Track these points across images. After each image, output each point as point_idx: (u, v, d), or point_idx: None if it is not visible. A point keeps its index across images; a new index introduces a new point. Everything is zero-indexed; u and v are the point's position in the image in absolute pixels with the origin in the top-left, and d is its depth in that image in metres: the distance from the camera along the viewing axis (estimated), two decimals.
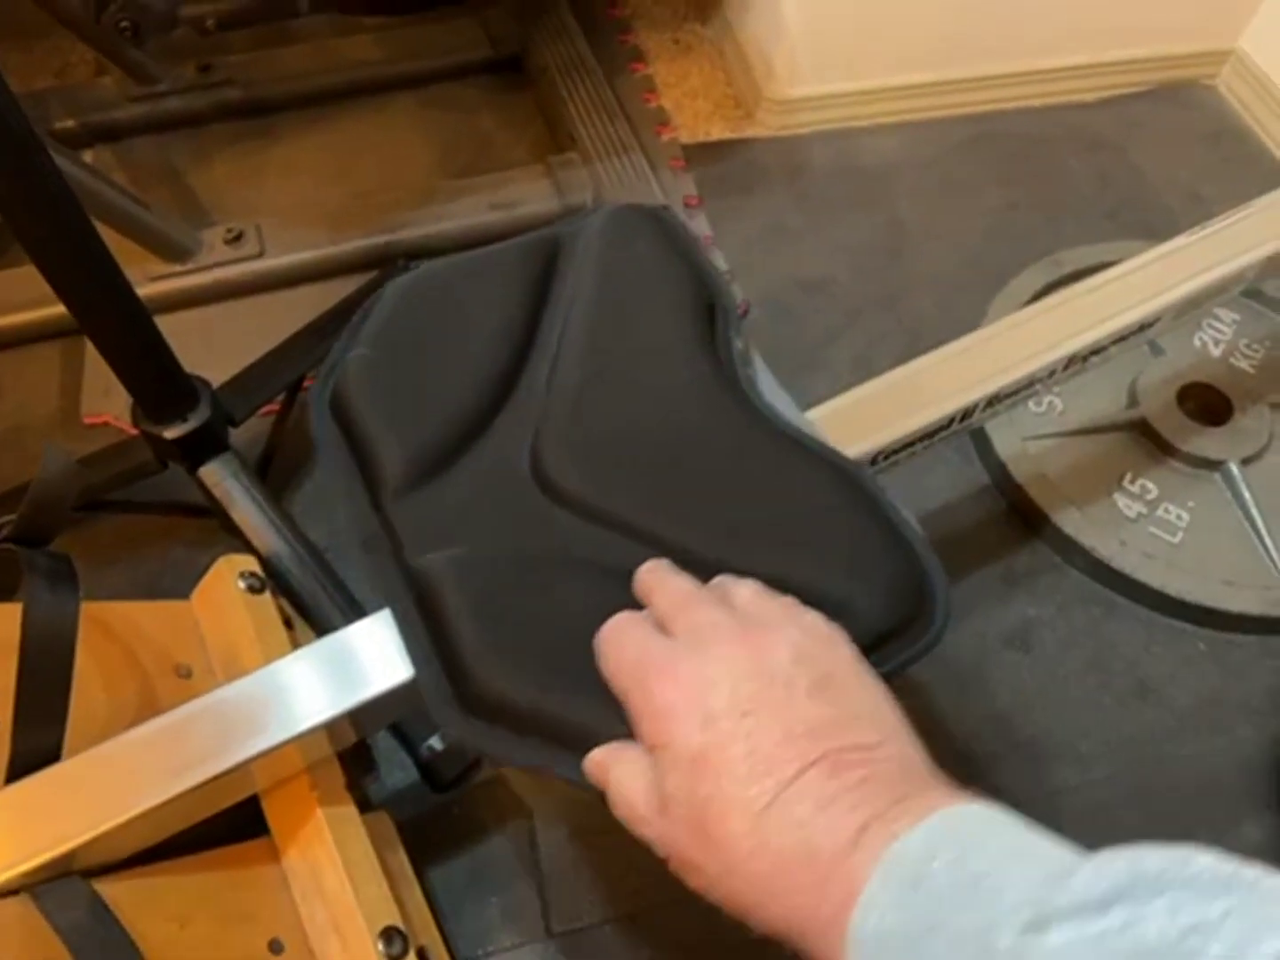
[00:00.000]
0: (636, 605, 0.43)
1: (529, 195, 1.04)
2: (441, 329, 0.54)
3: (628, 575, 0.44)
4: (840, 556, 0.45)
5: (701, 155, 1.14)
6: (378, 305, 0.55)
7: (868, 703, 0.36)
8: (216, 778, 0.52)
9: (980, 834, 0.30)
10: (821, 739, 0.34)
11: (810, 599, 0.42)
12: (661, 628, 0.40)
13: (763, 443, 0.50)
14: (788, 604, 0.40)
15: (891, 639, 0.44)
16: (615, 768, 0.38)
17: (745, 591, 0.41)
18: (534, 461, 0.50)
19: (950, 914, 0.27)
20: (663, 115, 1.19)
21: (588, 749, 0.40)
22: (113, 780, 0.51)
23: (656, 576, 0.43)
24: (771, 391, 0.54)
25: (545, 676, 0.42)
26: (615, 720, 0.39)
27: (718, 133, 1.19)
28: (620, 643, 0.40)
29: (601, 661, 0.40)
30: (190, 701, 0.54)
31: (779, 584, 0.43)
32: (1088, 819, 0.73)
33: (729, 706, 0.35)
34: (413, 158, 1.12)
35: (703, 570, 0.44)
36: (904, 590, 0.45)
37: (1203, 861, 0.26)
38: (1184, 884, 0.25)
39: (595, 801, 0.67)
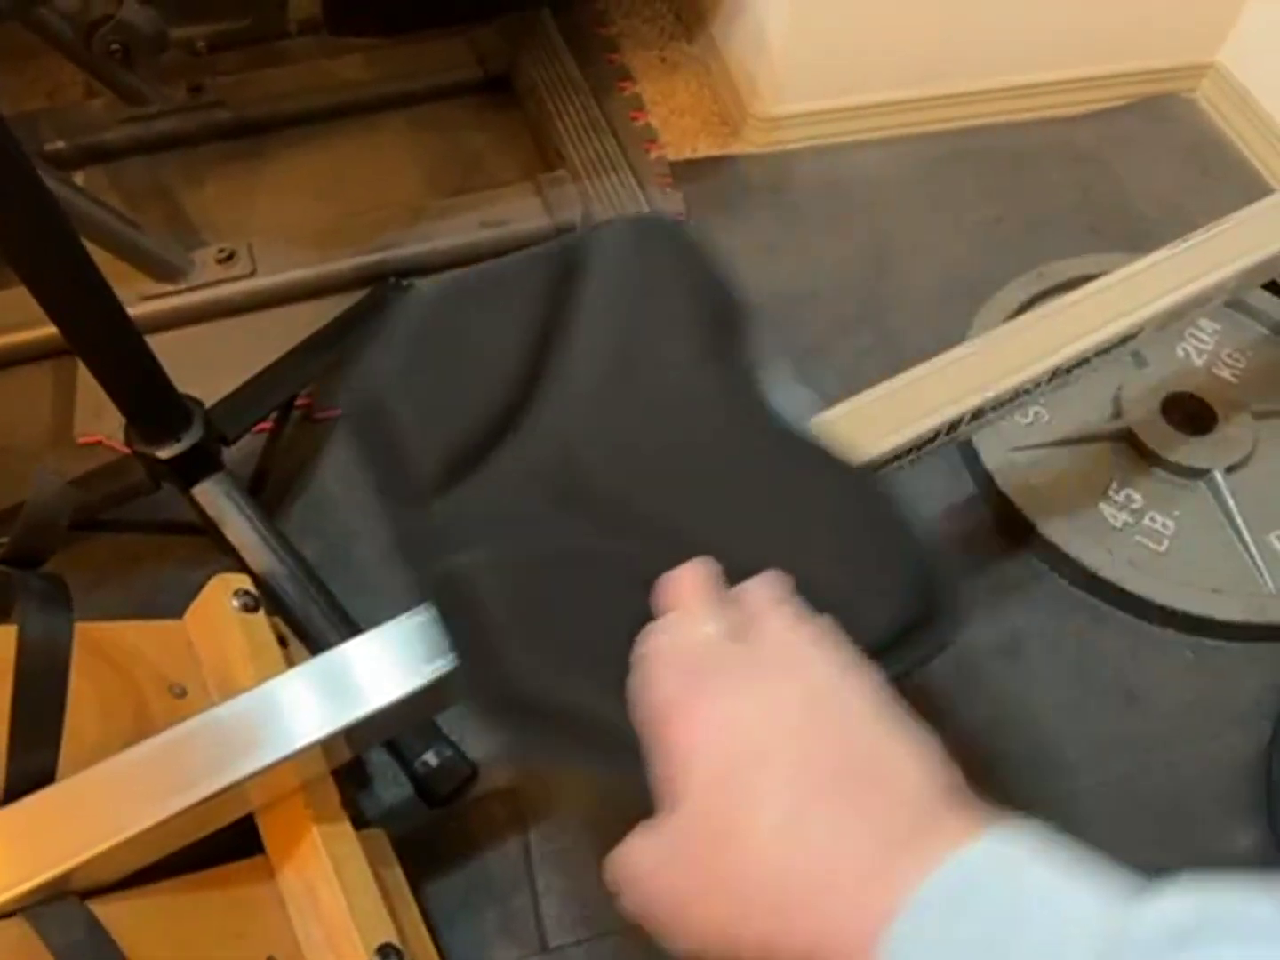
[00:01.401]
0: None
1: (519, 213, 1.05)
2: (466, 337, 0.55)
3: (651, 577, 0.45)
4: (855, 557, 0.47)
5: (689, 172, 1.15)
6: (404, 313, 0.57)
7: (888, 740, 0.36)
8: (211, 797, 0.52)
9: (1026, 861, 0.30)
10: (840, 777, 0.33)
11: (826, 599, 0.43)
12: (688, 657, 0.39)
13: (778, 450, 0.51)
14: (817, 638, 0.39)
15: (906, 638, 0.45)
16: (619, 852, 0.37)
17: (776, 623, 0.40)
18: (558, 466, 0.51)
19: (1009, 936, 0.27)
20: (650, 133, 1.20)
21: (622, 746, 0.40)
22: (108, 801, 0.52)
23: (687, 597, 0.42)
24: (790, 396, 0.55)
25: (580, 676, 0.43)
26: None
27: (705, 150, 1.20)
28: (649, 680, 0.39)
29: (637, 696, 0.40)
30: (184, 721, 0.54)
31: (797, 586, 0.44)
32: (1077, 828, 0.74)
33: (745, 750, 0.34)
34: (403, 177, 1.13)
35: (727, 566, 0.44)
36: (917, 590, 0.46)
37: (1266, 908, 0.26)
38: (1252, 930, 0.25)
39: (591, 815, 0.68)
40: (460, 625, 0.47)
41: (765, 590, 0.42)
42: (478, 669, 0.46)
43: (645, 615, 0.43)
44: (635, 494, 0.49)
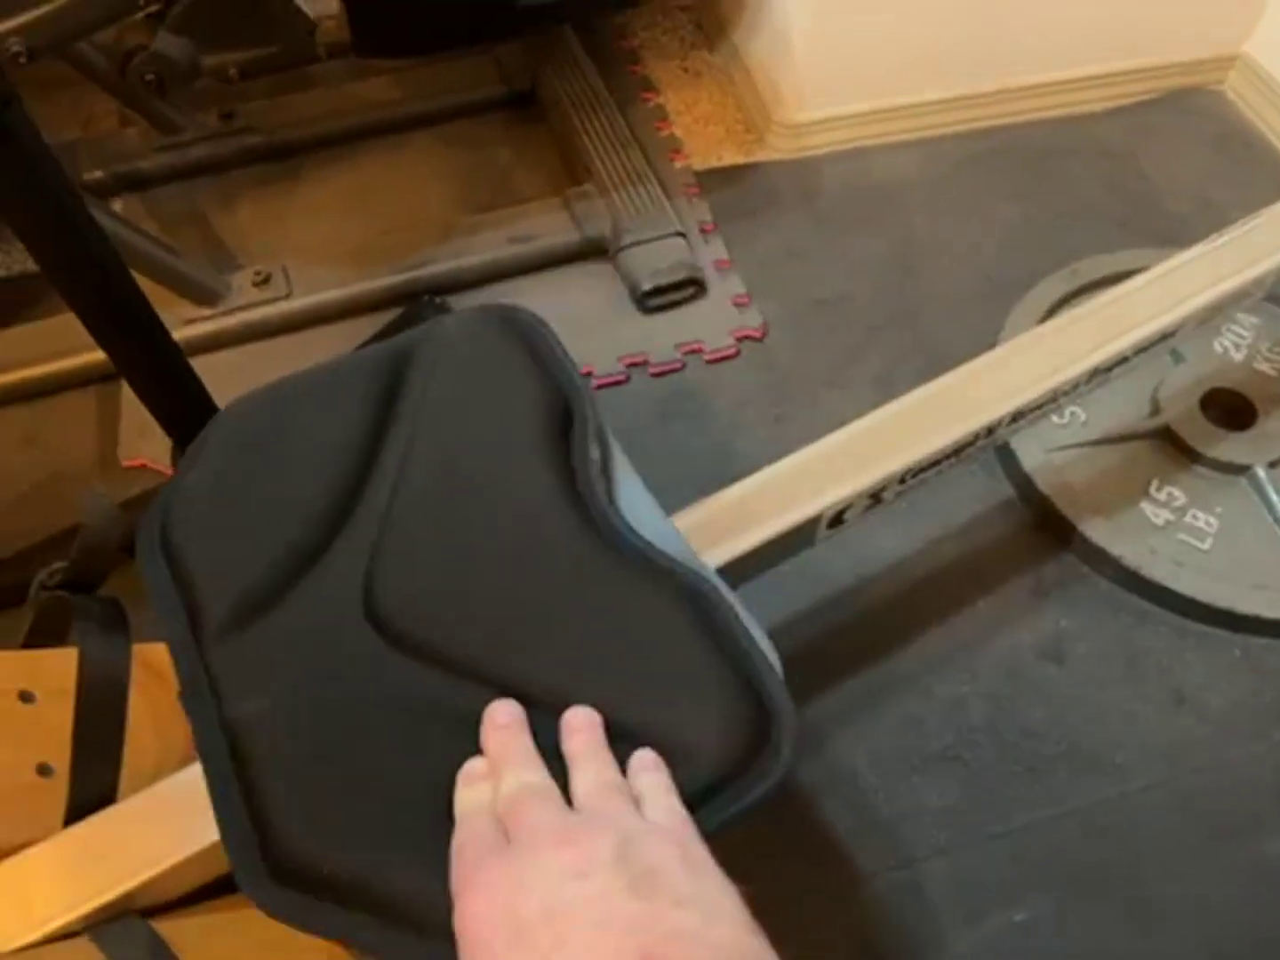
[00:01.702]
0: (468, 753, 0.41)
1: (548, 228, 1.06)
2: (277, 455, 0.52)
3: (462, 721, 0.42)
4: (677, 692, 0.43)
5: (715, 181, 1.16)
6: (211, 433, 0.53)
7: (697, 891, 0.34)
8: None
9: None
10: (638, 932, 0.32)
11: (647, 737, 0.41)
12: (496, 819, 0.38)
13: (608, 566, 0.47)
14: (624, 796, 0.38)
15: (729, 782, 0.41)
16: None
17: (589, 779, 0.39)
18: (366, 597, 0.47)
19: None
20: (675, 143, 1.20)
21: (414, 919, 0.38)
22: (167, 820, 0.52)
23: (502, 753, 0.41)
24: (635, 500, 0.51)
25: (361, 842, 0.40)
26: (439, 886, 0.37)
27: (730, 158, 1.21)
28: (461, 848, 0.38)
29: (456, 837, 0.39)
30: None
31: (616, 724, 0.42)
32: (1128, 831, 0.73)
33: (540, 912, 0.33)
34: (432, 194, 1.14)
35: (543, 709, 0.42)
36: (742, 727, 0.42)
37: None
38: None
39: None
40: (239, 778, 0.44)
41: (587, 752, 0.41)
42: (255, 829, 0.42)
43: (437, 759, 0.41)
44: (432, 633, 0.46)
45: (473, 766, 0.41)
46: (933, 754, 0.76)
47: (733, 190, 1.16)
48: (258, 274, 1.00)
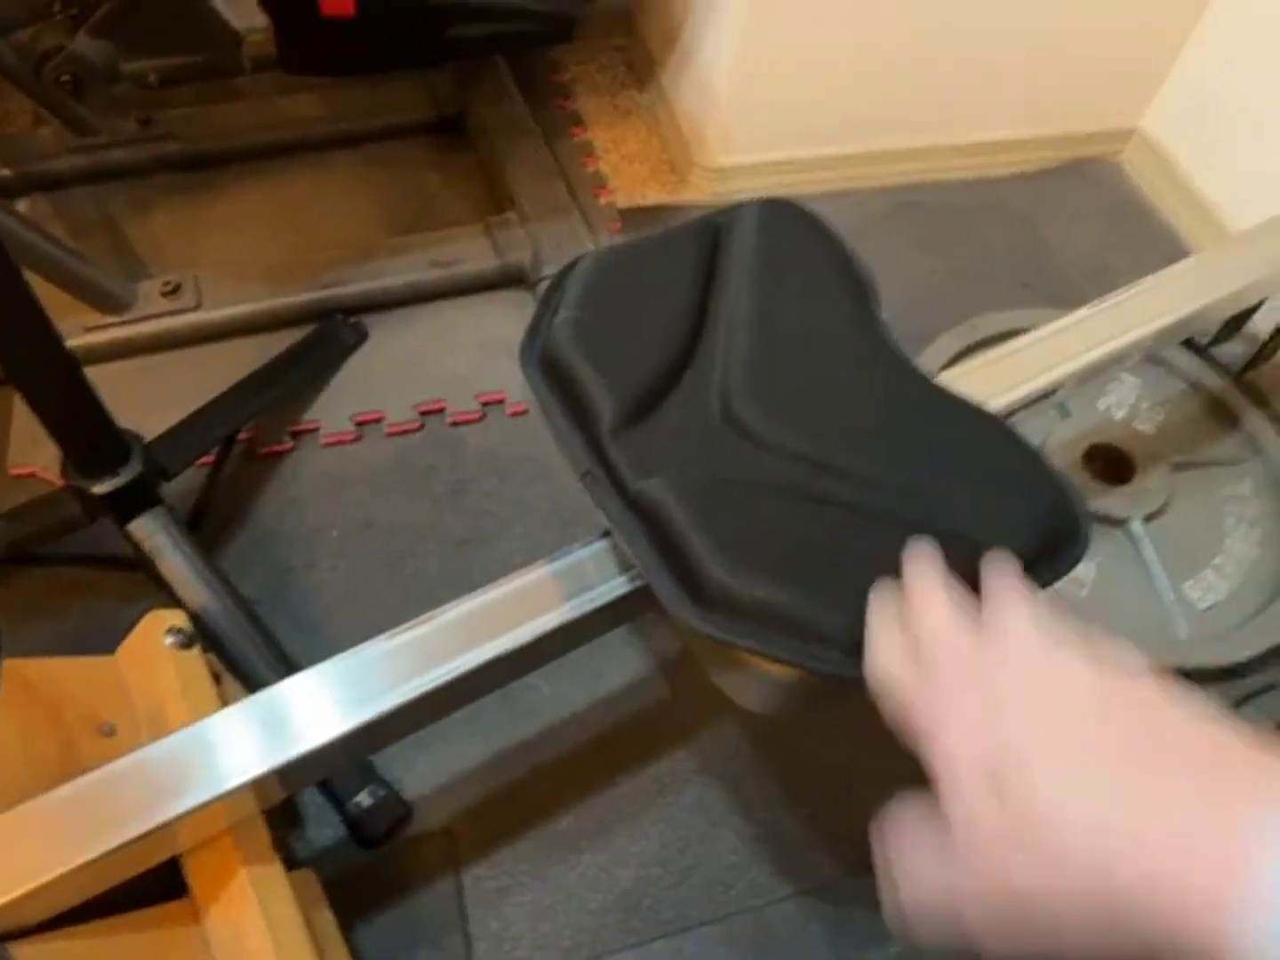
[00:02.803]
0: (831, 519, 0.52)
1: (468, 253, 1.06)
2: (631, 297, 0.61)
3: (818, 499, 0.53)
4: (1002, 483, 0.54)
5: (637, 218, 1.18)
6: (572, 276, 0.63)
7: (1180, 713, 0.33)
8: (138, 839, 0.52)
9: None
10: (1142, 744, 0.32)
11: (973, 520, 0.52)
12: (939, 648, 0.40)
13: (921, 394, 0.59)
14: (1062, 633, 0.39)
15: (1047, 555, 0.52)
16: (894, 860, 0.37)
17: (1021, 619, 0.39)
18: (724, 408, 0.57)
19: None
20: (601, 179, 1.22)
21: (816, 638, 0.48)
22: (32, 842, 0.51)
23: (924, 597, 0.43)
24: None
25: (769, 571, 0.49)
26: (837, 616, 0.47)
27: (654, 197, 1.23)
28: (893, 668, 0.41)
29: (869, 666, 0.43)
30: (112, 761, 0.54)
31: (952, 508, 0.52)
32: None
33: (1013, 704, 0.34)
34: (354, 214, 1.14)
35: (883, 494, 0.53)
36: (1055, 516, 0.53)
37: None
38: None
39: (526, 854, 0.67)
40: (651, 538, 0.53)
41: (1002, 580, 0.43)
42: (674, 574, 0.51)
43: (815, 523, 0.52)
44: (789, 434, 0.56)
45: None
46: None
47: (654, 228, 1.17)
48: (167, 284, 0.98)
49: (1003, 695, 0.36)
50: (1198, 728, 0.32)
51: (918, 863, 0.36)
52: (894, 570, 0.51)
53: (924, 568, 0.45)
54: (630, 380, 0.58)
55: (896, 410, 0.58)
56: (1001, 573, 0.44)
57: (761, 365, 0.59)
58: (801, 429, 0.56)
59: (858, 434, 0.56)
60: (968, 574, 0.52)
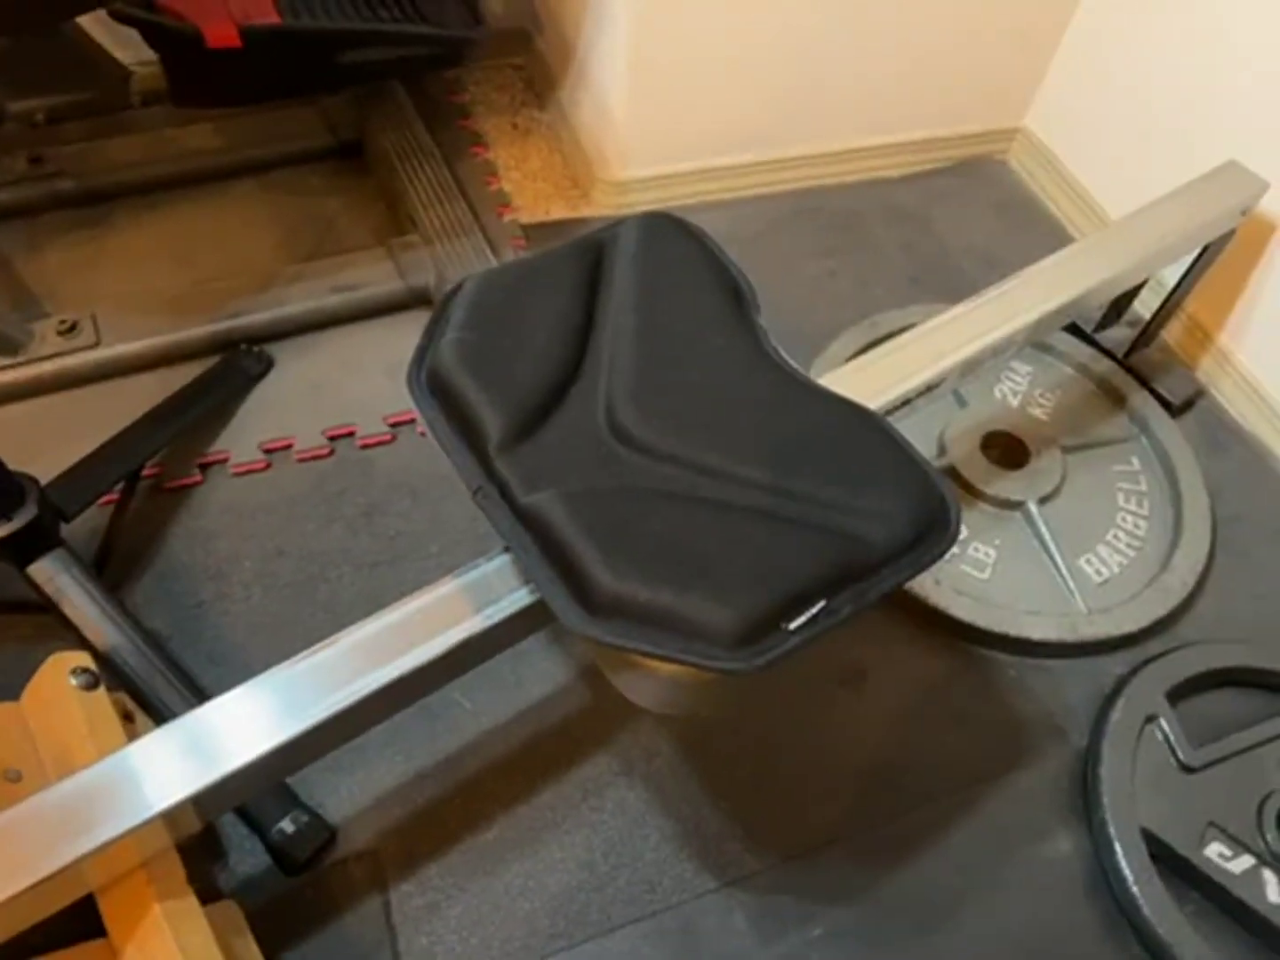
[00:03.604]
0: (711, 521, 0.54)
1: (371, 277, 1.07)
2: (516, 316, 0.64)
3: (700, 501, 0.55)
4: (873, 477, 0.57)
5: (541, 234, 1.20)
6: (458, 299, 0.65)
7: None
8: (47, 879, 0.52)
9: None
10: None
11: (848, 512, 0.55)
12: None
13: (796, 393, 0.62)
14: None
15: (918, 544, 0.56)
16: None
17: None
18: (609, 418, 0.60)
19: None
20: (504, 197, 1.24)
21: (701, 635, 0.51)
22: None
23: None
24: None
25: (653, 574, 0.52)
26: (724, 611, 0.51)
27: (557, 212, 1.25)
28: None
29: None
30: (16, 805, 0.53)
31: (821, 502, 0.55)
32: (910, 848, 0.78)
33: None
34: (254, 243, 1.13)
35: (761, 493, 0.56)
36: (925, 502, 0.57)
37: None
38: None
39: (451, 870, 0.67)
40: (543, 550, 0.55)
41: None
42: (565, 583, 0.54)
43: (696, 525, 0.54)
44: (670, 440, 0.58)
45: None
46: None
47: (558, 243, 1.19)
48: (63, 322, 0.97)
49: None
50: None
51: None
52: (770, 566, 0.53)
53: None
54: (516, 397, 0.60)
55: (773, 411, 0.61)
56: None
57: (644, 375, 0.62)
58: (682, 434, 0.59)
59: (736, 436, 0.59)
60: (843, 567, 0.54)
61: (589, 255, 0.68)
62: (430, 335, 0.64)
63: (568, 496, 0.55)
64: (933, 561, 0.56)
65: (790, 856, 0.77)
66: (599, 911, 0.74)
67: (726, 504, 0.56)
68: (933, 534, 0.56)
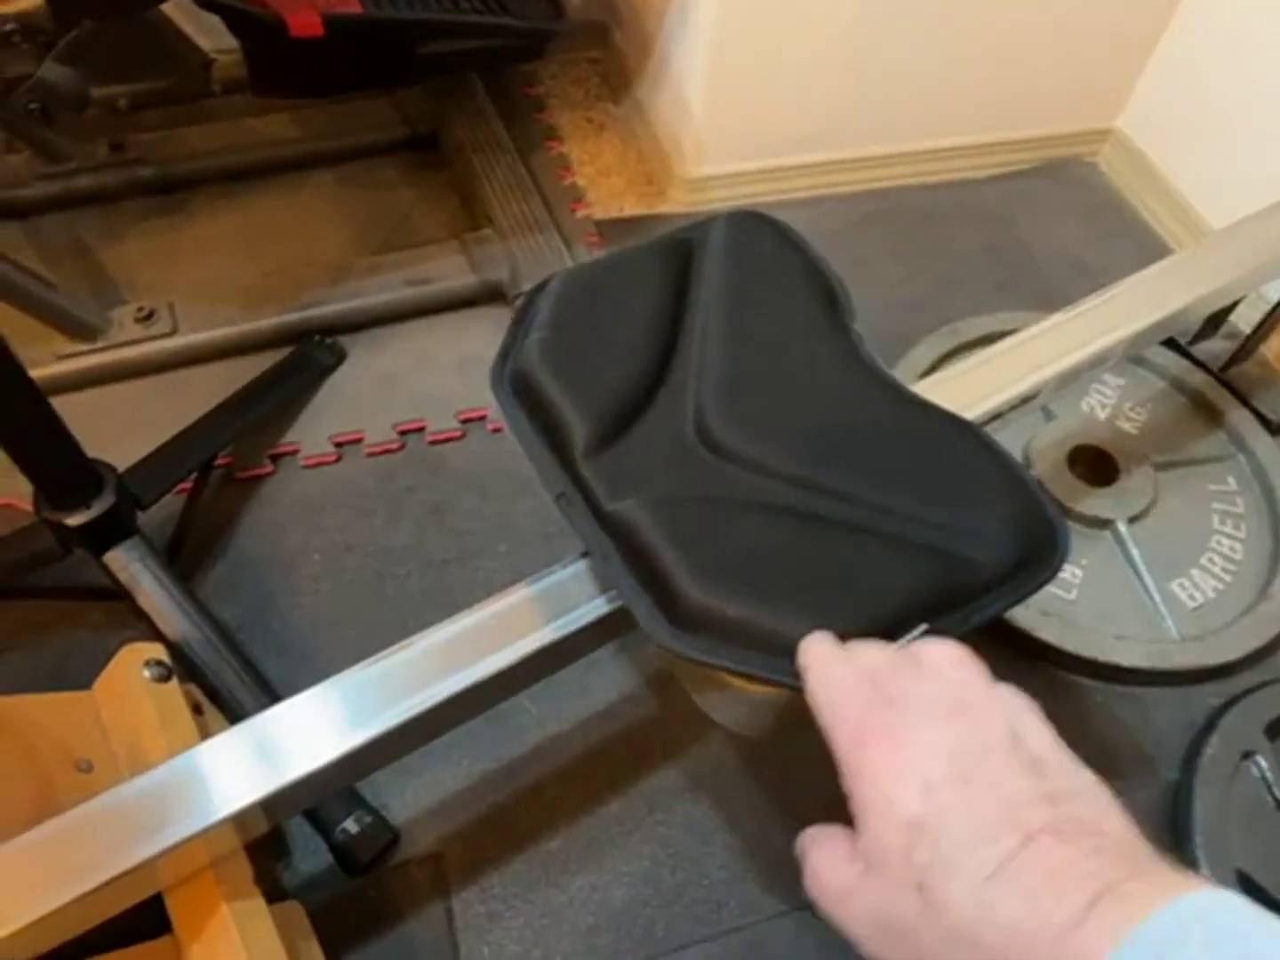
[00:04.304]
0: (804, 535, 0.51)
1: (444, 271, 1.06)
2: (602, 316, 0.62)
3: (793, 514, 0.52)
4: (977, 494, 0.54)
5: (615, 231, 1.18)
6: (543, 296, 0.63)
7: (1083, 783, 0.37)
8: (117, 878, 0.51)
9: (1231, 921, 0.29)
10: (1044, 809, 0.34)
11: (950, 532, 0.52)
12: (869, 681, 0.41)
13: (895, 404, 0.58)
14: (983, 674, 0.41)
15: (1024, 567, 0.52)
16: (811, 850, 0.40)
17: (942, 655, 0.42)
18: (697, 424, 0.57)
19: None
20: (577, 192, 1.22)
21: (785, 652, 0.47)
22: (9, 885, 0.50)
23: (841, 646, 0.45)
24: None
25: (743, 589, 0.50)
26: (807, 628, 0.47)
27: (631, 209, 1.23)
28: (838, 698, 0.42)
29: (816, 707, 0.43)
30: (90, 800, 0.53)
31: (921, 519, 0.52)
32: None
33: (948, 775, 0.36)
34: (328, 235, 1.13)
35: (858, 508, 0.53)
36: (1031, 525, 0.53)
37: None
38: None
39: (516, 877, 0.66)
40: (627, 559, 0.53)
41: (927, 641, 0.44)
42: (650, 594, 0.51)
43: (789, 539, 0.51)
44: (763, 450, 0.55)
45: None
46: None
47: (632, 241, 1.17)
48: (140, 310, 0.98)
49: (932, 738, 0.38)
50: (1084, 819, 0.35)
51: (825, 861, 0.39)
52: (867, 585, 0.50)
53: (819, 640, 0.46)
54: (603, 401, 0.57)
55: (870, 422, 0.58)
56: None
57: (734, 381, 0.59)
58: (775, 444, 0.56)
59: (832, 448, 0.56)
60: (946, 590, 0.51)
61: (677, 253, 0.66)
62: (514, 333, 0.63)
63: (654, 504, 0.53)
64: (1039, 587, 0.52)
65: None
66: (664, 929, 0.72)
67: (820, 517, 0.53)
68: (1039, 558, 0.53)
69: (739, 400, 0.58)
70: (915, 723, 0.38)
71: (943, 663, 0.42)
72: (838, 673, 0.43)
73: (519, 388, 0.60)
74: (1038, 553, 0.53)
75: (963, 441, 0.57)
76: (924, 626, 0.50)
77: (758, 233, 0.68)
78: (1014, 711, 0.39)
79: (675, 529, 0.52)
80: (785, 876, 0.74)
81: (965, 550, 0.52)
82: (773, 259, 0.66)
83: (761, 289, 0.64)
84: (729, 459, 0.56)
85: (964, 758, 0.36)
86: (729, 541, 0.52)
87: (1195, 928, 0.28)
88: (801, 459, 0.55)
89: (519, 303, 0.65)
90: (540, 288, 0.65)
